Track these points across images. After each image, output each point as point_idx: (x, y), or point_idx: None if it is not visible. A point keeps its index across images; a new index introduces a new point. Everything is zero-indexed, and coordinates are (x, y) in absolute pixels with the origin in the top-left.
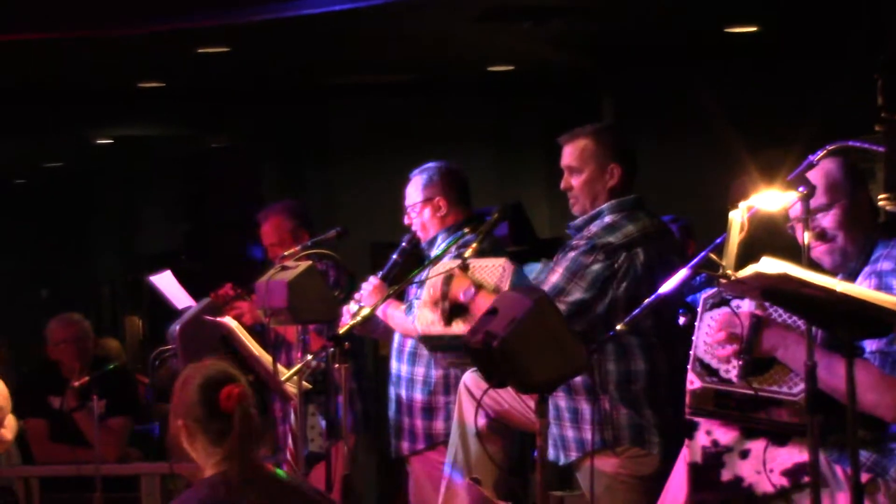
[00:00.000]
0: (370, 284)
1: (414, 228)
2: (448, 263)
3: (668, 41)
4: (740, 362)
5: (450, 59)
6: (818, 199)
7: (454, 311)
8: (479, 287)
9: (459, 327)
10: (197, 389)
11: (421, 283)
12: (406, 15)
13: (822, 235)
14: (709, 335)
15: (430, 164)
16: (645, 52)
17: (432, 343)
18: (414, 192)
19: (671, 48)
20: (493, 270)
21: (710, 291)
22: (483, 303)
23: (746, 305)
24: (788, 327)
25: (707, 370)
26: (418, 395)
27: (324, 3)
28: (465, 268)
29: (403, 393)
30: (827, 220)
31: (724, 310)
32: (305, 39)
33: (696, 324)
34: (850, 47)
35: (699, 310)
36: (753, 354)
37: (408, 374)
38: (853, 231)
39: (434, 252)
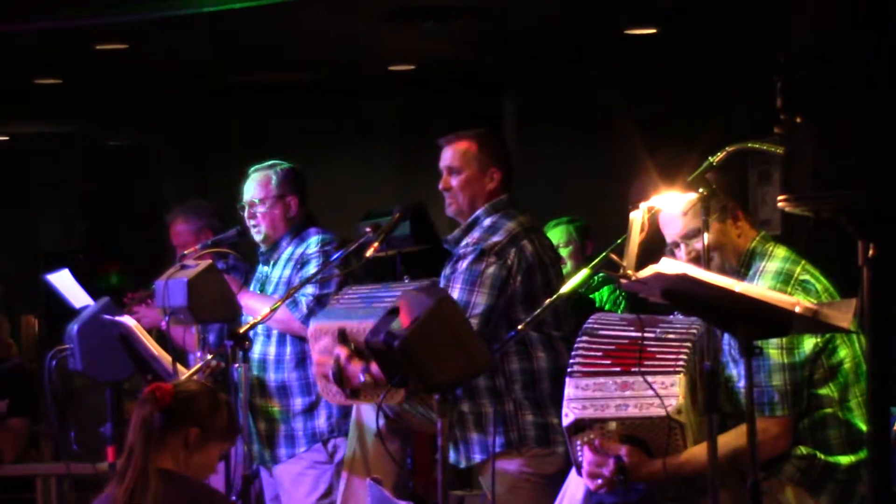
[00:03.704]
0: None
1: (255, 223)
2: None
3: (570, 41)
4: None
5: (352, 58)
6: (690, 225)
7: (355, 391)
8: (359, 354)
9: (365, 399)
10: None
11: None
12: (308, 14)
13: (698, 259)
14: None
15: (277, 161)
16: (546, 52)
17: None
18: (265, 187)
19: (573, 48)
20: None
21: (567, 422)
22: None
23: (612, 426)
24: (652, 469)
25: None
26: (296, 399)
27: (224, 0)
28: (343, 339)
29: (276, 401)
30: (700, 244)
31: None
32: (206, 37)
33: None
34: (750, 48)
35: (566, 434)
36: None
37: (277, 381)
38: (728, 248)
39: (281, 255)
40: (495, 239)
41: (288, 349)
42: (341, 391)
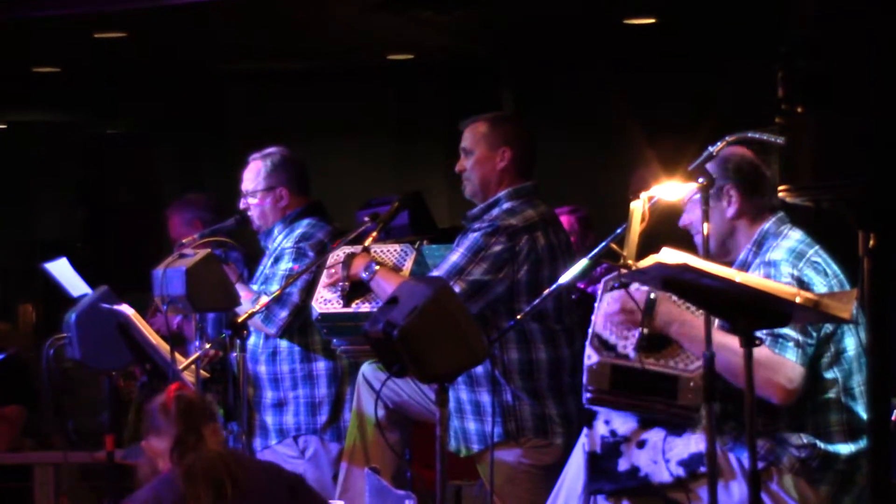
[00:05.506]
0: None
1: (250, 214)
2: (347, 250)
3: (568, 31)
4: (636, 336)
5: (349, 47)
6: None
7: (354, 289)
8: (379, 264)
9: (360, 307)
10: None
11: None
12: (306, 2)
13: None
14: (607, 311)
15: (272, 150)
16: (545, 42)
17: (330, 325)
18: (255, 178)
19: (571, 38)
20: (395, 253)
21: (611, 275)
22: (384, 279)
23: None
24: (677, 313)
25: (605, 345)
26: (267, 393)
27: None
28: (366, 251)
29: (251, 391)
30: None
31: (623, 291)
32: (204, 26)
33: (595, 304)
34: (751, 38)
35: (599, 292)
36: (649, 329)
37: (251, 372)
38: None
39: (271, 244)
40: (512, 221)
41: (261, 342)
42: (335, 294)
